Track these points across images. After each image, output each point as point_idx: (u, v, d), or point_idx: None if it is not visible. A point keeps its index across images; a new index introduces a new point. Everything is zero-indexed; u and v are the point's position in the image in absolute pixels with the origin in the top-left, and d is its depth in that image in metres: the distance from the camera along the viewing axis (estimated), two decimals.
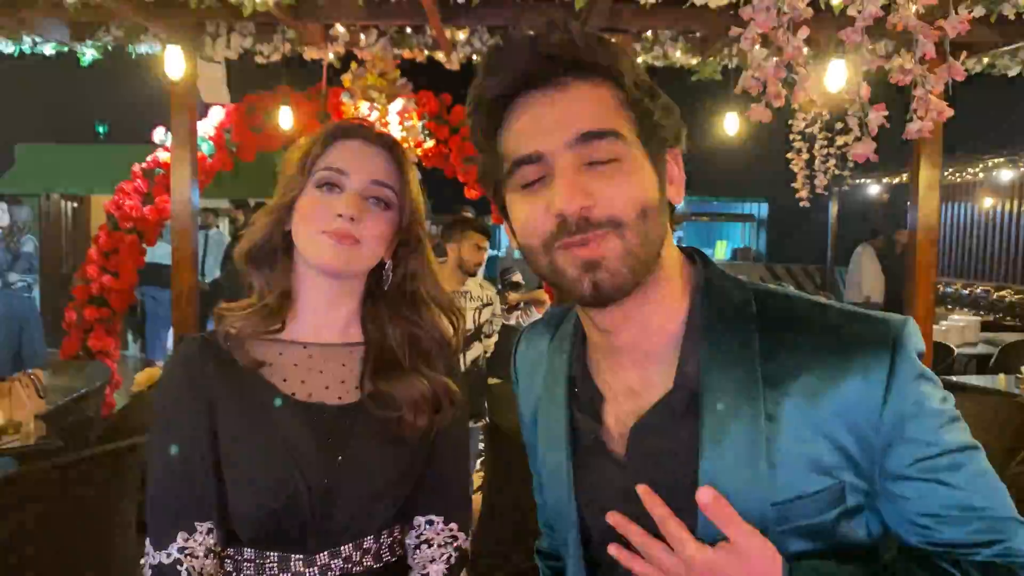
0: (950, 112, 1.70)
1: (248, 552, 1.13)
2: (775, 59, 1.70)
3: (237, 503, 1.11)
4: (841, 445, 0.80)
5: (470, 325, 3.64)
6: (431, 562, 1.19)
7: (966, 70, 1.64)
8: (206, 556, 1.10)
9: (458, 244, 3.68)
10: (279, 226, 1.17)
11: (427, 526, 1.21)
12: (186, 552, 1.09)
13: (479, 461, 4.25)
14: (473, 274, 3.71)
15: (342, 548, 1.14)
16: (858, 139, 1.87)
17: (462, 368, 1.09)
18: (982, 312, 9.75)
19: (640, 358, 0.88)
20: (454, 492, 1.25)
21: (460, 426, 1.27)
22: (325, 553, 1.13)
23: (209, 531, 1.11)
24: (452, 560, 1.20)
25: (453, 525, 1.22)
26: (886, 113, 1.65)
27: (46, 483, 2.76)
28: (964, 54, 1.63)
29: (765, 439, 0.80)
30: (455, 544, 1.22)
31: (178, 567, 1.08)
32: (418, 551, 1.21)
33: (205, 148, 5.56)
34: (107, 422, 4.01)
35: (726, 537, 0.78)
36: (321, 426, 1.14)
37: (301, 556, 1.12)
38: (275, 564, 1.12)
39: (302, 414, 1.14)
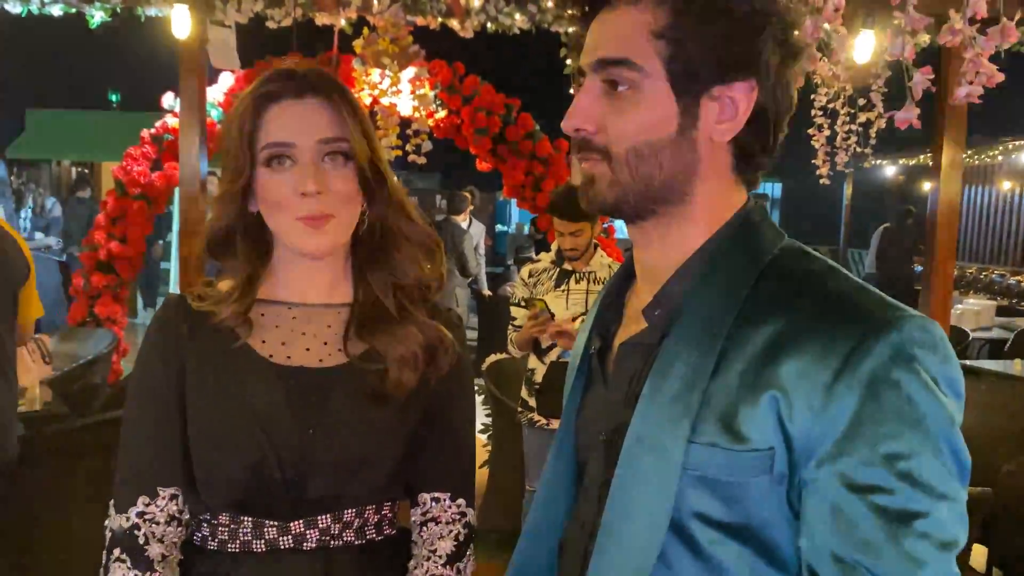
0: (1000, 77, 1.60)
1: (223, 517, 1.09)
2: (810, 19, 1.63)
3: (205, 468, 1.07)
4: (780, 412, 0.72)
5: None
6: (439, 539, 1.15)
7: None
8: (167, 523, 1.06)
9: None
10: (239, 210, 1.10)
11: (433, 504, 1.16)
12: (145, 517, 1.05)
13: (486, 436, 4.20)
14: (576, 259, 2.99)
15: (319, 519, 1.09)
16: (881, 116, 1.81)
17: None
18: (997, 296, 9.65)
19: (655, 282, 0.86)
20: (460, 465, 1.19)
21: (464, 386, 1.20)
22: (300, 522, 1.08)
23: (173, 497, 1.07)
24: (460, 537, 1.15)
25: (461, 501, 1.17)
26: (931, 76, 1.58)
27: (51, 449, 2.74)
28: (1019, 14, 1.54)
29: (711, 375, 0.75)
30: (463, 520, 1.17)
31: (135, 532, 1.04)
32: (425, 528, 1.16)
33: (215, 114, 5.49)
34: (113, 389, 4.00)
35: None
36: (297, 391, 1.08)
37: (275, 524, 1.08)
38: (249, 530, 1.08)
39: (278, 378, 1.08)
